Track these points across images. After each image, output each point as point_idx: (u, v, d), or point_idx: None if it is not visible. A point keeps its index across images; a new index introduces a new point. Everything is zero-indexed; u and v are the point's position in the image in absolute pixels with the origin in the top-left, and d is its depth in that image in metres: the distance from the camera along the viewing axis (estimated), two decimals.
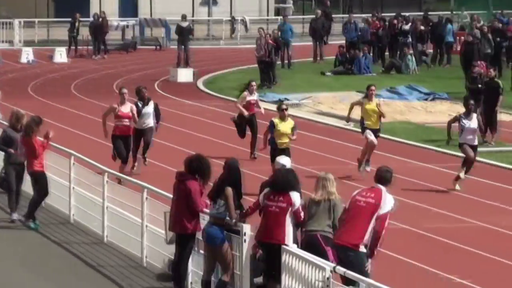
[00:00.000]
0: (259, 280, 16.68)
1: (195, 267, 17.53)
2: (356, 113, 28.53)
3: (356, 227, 15.55)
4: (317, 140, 34.89)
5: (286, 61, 53.49)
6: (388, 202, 15.95)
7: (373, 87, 27.63)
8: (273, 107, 42.86)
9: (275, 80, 48.43)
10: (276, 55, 48.69)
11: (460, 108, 38.68)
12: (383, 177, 16.41)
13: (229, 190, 16.63)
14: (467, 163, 26.03)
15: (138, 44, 67.50)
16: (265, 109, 41.09)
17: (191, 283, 17.63)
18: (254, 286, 16.66)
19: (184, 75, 51.53)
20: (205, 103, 43.67)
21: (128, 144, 25.95)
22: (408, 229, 22.92)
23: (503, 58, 50.37)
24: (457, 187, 25.91)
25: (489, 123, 32.49)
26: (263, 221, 16.60)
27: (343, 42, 57.30)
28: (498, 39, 48.82)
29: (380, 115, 27.46)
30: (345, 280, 14.56)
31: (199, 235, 17.21)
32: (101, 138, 28.17)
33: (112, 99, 45.33)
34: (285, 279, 15.28)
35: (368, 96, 27.39)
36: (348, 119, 29.32)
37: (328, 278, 14.22)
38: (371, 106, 27.10)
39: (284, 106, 25.32)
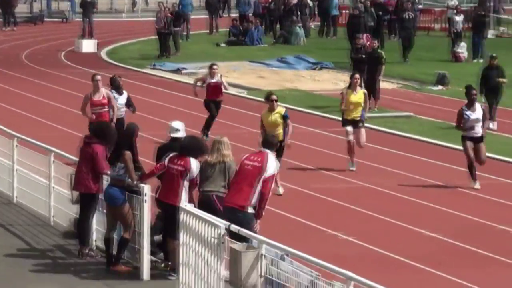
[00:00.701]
0: (158, 238, 16.72)
1: (98, 226, 17.42)
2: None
3: (243, 189, 15.69)
4: None
5: (184, 33, 52.99)
6: (271, 165, 16.07)
7: (357, 75, 23.94)
8: (171, 76, 43.72)
9: (178, 50, 48.53)
10: (178, 27, 48.60)
11: (343, 77, 39.20)
12: (269, 142, 16.68)
13: (128, 154, 16.61)
14: (469, 166, 22.48)
15: (45, 17, 67.28)
16: (162, 77, 41.85)
17: (95, 240, 17.50)
18: (154, 244, 16.68)
19: (88, 46, 51.47)
20: (107, 72, 43.42)
21: None
22: (297, 189, 22.89)
23: (385, 30, 50.88)
24: (477, 185, 22.31)
25: (371, 91, 32.34)
26: (163, 182, 16.76)
27: (237, 15, 57.85)
28: (380, 13, 48.99)
29: (364, 106, 23.90)
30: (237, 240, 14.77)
31: (102, 195, 17.17)
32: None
33: (20, 68, 45.84)
34: (182, 236, 15.18)
35: (351, 86, 23.60)
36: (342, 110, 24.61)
37: (222, 235, 14.19)
38: (355, 97, 23.43)
39: (274, 97, 21.36)
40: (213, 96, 27.40)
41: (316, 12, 57.66)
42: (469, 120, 22.06)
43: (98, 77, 22.80)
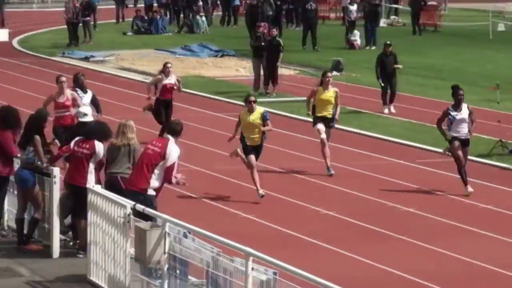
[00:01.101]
0: (68, 220, 16.69)
1: (10, 207, 17.29)
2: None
3: (144, 172, 15.75)
4: (119, 92, 34.68)
5: (92, 23, 52.74)
6: (172, 152, 16.07)
7: (329, 74, 22.39)
8: (80, 64, 43.49)
9: (91, 38, 48.49)
10: (87, 17, 48.43)
11: (244, 63, 39.39)
12: (173, 129, 16.64)
13: (37, 138, 16.50)
14: (458, 167, 20.46)
15: None
16: (71, 65, 41.64)
17: (6, 220, 17.39)
18: (63, 225, 16.65)
19: (0, 35, 50.67)
20: (20, 60, 43.41)
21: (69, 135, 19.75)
22: (201, 171, 22.91)
23: (283, 19, 51.09)
24: (469, 189, 20.33)
25: (271, 76, 32.65)
26: (70, 165, 16.85)
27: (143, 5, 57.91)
28: (279, 2, 49.16)
29: (336, 105, 22.08)
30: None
31: (13, 178, 17.05)
32: None
33: None
34: (90, 216, 15.21)
35: (323, 84, 21.88)
36: (309, 113, 22.96)
37: (128, 215, 14.26)
38: (327, 95, 21.71)
39: (252, 98, 19.83)
40: (165, 96, 25.28)
41: (218, 2, 57.77)
42: (455, 121, 20.23)
43: (63, 78, 20.95)
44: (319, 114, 21.59)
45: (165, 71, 25.47)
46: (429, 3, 56.58)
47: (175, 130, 16.72)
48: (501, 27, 52.73)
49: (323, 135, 21.47)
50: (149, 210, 14.83)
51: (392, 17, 55.76)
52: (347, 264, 17.16)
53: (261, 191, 19.52)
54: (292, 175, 23.22)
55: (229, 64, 40.94)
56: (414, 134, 27.57)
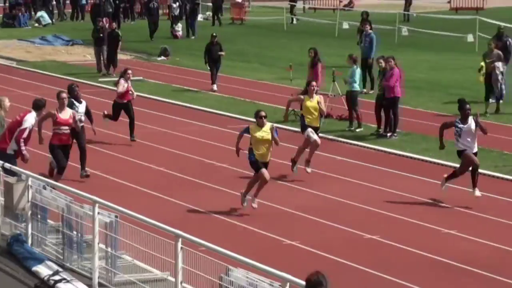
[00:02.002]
0: None
1: None
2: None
3: (6, 136, 15.74)
4: None
5: None
6: (28, 121, 15.79)
7: (314, 83, 19.40)
8: None
9: None
10: None
11: (89, 50, 38.92)
12: (37, 104, 16.28)
13: None
14: (472, 171, 16.96)
15: None
16: None
17: None
18: None
19: None
20: None
21: (68, 153, 16.95)
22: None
23: (121, 15, 50.76)
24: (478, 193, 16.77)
25: (111, 61, 32.53)
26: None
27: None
28: (117, 1, 48.50)
29: (321, 112, 19.31)
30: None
31: None
32: None
33: None
34: None
35: (308, 93, 19.07)
36: (286, 117, 20.42)
37: None
38: (312, 103, 18.85)
39: (262, 113, 16.10)
40: (126, 99, 21.93)
41: (68, 2, 57.05)
42: (462, 132, 16.66)
43: (64, 95, 16.95)
44: (309, 124, 18.64)
45: (125, 76, 22.17)
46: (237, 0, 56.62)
47: (38, 105, 16.29)
48: (295, 21, 53.14)
49: (315, 136, 18.52)
50: (14, 168, 14.66)
51: (208, 13, 55.84)
52: (175, 209, 16.98)
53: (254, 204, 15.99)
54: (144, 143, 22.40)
55: (78, 51, 40.33)
56: (225, 106, 27.39)
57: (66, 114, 16.38)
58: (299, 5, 60.66)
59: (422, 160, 20.51)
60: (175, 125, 24.47)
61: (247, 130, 16.00)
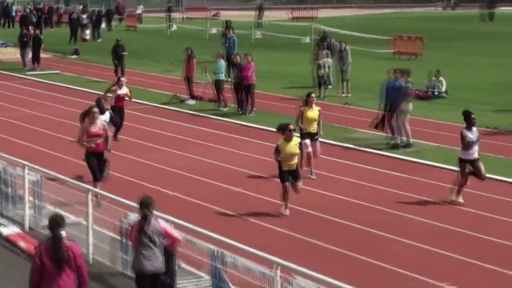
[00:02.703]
0: None
1: None
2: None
3: None
4: None
5: None
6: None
7: (313, 95, 16.38)
8: None
9: None
10: None
11: (18, 51, 37.44)
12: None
13: None
14: (462, 184, 14.02)
15: None
16: None
17: None
18: None
19: None
20: None
21: (101, 161, 14.16)
22: None
23: (43, 23, 48.18)
24: (460, 199, 13.93)
25: (36, 59, 31.39)
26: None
27: None
28: (40, 13, 46.61)
29: (319, 121, 16.10)
30: None
31: None
32: None
33: None
34: None
35: (308, 104, 15.92)
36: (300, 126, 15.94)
37: None
38: (312, 113, 15.84)
39: (291, 127, 13.45)
40: (119, 104, 19.06)
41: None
42: (471, 142, 13.97)
43: (96, 109, 14.21)
44: (305, 131, 15.82)
45: (118, 83, 19.44)
46: (127, 10, 54.80)
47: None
48: (174, 27, 50.74)
49: (310, 149, 15.60)
50: None
51: (113, 23, 53.92)
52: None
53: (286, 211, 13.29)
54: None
55: (10, 52, 38.12)
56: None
57: (96, 127, 13.75)
58: (179, 15, 59.48)
59: (271, 131, 19.12)
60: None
61: (277, 150, 13.04)
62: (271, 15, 57.44)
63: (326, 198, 14.29)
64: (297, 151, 13.32)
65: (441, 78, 24.13)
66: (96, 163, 13.65)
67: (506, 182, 15.20)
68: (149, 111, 22.66)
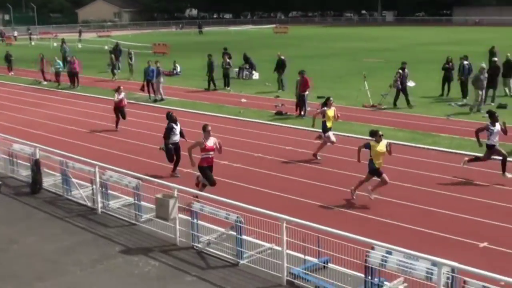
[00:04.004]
0: None
1: None
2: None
3: None
4: None
5: None
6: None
7: (331, 98, 18.33)
8: None
9: None
10: None
11: None
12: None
13: None
14: (503, 160, 15.95)
15: None
16: None
17: None
18: None
19: None
20: None
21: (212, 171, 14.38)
22: None
23: None
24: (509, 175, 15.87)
25: None
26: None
27: None
28: None
29: (336, 117, 18.01)
30: None
31: None
32: None
33: None
34: None
35: (327, 105, 17.73)
36: (314, 125, 18.91)
37: None
38: (331, 112, 17.74)
39: (381, 132, 14.14)
40: (119, 105, 22.75)
41: None
42: (493, 133, 15.89)
43: (209, 127, 14.16)
44: (329, 126, 17.82)
45: (118, 90, 22.90)
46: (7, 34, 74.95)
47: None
48: (33, 43, 68.99)
49: (333, 138, 17.96)
50: None
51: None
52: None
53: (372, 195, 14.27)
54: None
55: None
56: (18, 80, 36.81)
57: (211, 142, 14.03)
58: (36, 36, 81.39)
59: (92, 96, 30.47)
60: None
61: (368, 146, 13.96)
62: (87, 35, 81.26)
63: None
64: (384, 150, 13.84)
65: (177, 65, 41.11)
66: (211, 173, 14.14)
67: None
68: (20, 88, 33.87)
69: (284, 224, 9.84)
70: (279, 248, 9.94)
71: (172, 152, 16.41)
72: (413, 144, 19.68)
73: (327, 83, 33.54)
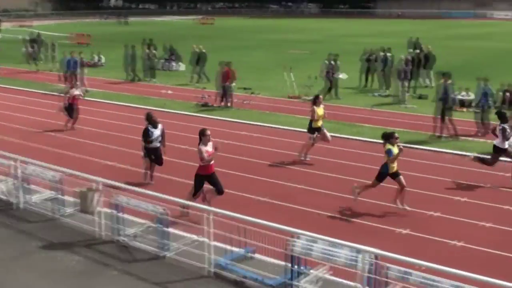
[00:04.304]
0: None
1: None
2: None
3: None
4: None
5: None
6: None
7: (321, 96, 17.37)
8: None
9: None
10: None
11: None
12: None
13: None
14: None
15: None
16: None
17: None
18: None
19: None
20: None
21: (217, 178, 12.82)
22: None
23: None
24: None
25: None
26: None
27: None
28: None
29: (324, 116, 17.16)
30: None
31: None
32: None
33: None
34: None
35: (317, 103, 16.83)
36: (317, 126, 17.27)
37: None
38: (321, 111, 16.84)
39: (397, 135, 13.08)
40: (73, 101, 21.35)
41: None
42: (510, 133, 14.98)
43: (208, 132, 12.55)
44: (315, 126, 16.98)
45: (73, 86, 21.99)
46: None
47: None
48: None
49: (328, 135, 17.22)
50: None
51: None
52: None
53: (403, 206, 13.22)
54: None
55: None
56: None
57: (210, 147, 12.59)
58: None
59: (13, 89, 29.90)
60: None
61: (391, 153, 12.85)
62: (7, 25, 78.74)
63: None
64: (398, 155, 12.88)
65: (101, 56, 41.40)
66: (203, 184, 12.68)
67: None
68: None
69: (211, 216, 9.91)
70: (206, 240, 9.98)
71: (149, 158, 14.79)
72: (338, 135, 20.04)
73: (253, 75, 33.91)
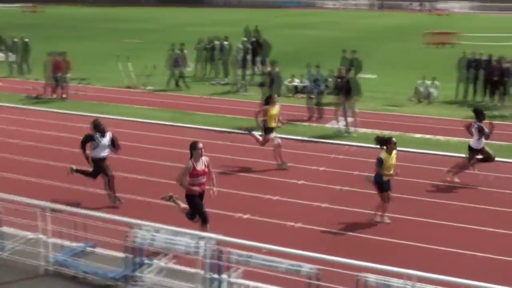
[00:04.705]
0: None
1: None
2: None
3: None
4: None
5: None
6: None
7: (275, 96, 16.17)
8: None
9: None
10: None
11: None
12: None
13: None
14: (490, 160, 14.51)
15: None
16: None
17: None
18: None
19: None
20: None
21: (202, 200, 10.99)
22: None
23: None
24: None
25: None
26: None
27: None
28: None
29: (279, 117, 16.07)
30: None
31: None
32: None
33: None
34: None
35: (271, 103, 15.81)
36: (259, 125, 16.03)
37: None
38: (274, 111, 15.78)
39: (394, 140, 12.09)
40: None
41: None
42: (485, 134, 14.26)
43: (201, 145, 10.67)
44: (270, 126, 15.97)
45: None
46: None
47: None
48: None
49: (278, 140, 16.04)
50: None
51: None
52: None
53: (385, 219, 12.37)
54: None
55: None
56: None
57: (201, 165, 10.71)
58: None
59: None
60: None
61: (381, 162, 12.02)
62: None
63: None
64: (395, 162, 12.17)
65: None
66: (201, 203, 10.92)
67: None
68: None
69: (48, 213, 9.66)
70: (42, 236, 9.76)
71: (93, 171, 13.09)
72: (173, 123, 20.21)
73: (87, 65, 33.25)
